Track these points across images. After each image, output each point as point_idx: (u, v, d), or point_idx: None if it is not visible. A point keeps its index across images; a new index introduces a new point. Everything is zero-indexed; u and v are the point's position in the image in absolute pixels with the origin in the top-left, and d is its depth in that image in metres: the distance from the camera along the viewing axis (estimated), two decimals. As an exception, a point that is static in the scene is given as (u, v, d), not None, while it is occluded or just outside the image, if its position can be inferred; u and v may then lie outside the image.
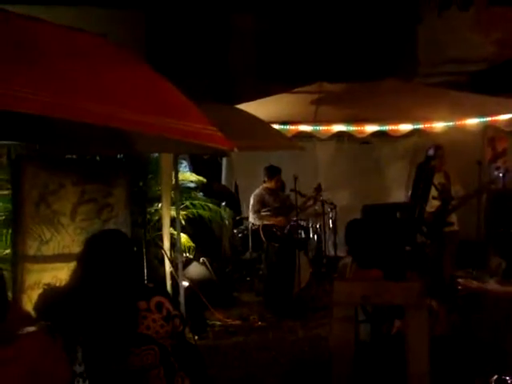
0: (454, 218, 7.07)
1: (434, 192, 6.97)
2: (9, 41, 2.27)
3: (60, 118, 3.92)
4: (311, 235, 8.40)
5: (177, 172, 5.87)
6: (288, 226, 7.20)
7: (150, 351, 2.91)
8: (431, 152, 6.57)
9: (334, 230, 8.25)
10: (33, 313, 3.21)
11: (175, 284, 6.19)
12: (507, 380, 4.47)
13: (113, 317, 2.92)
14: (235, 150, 2.42)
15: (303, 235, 8.13)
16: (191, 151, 5.98)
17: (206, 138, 2.32)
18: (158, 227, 6.99)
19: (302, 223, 8.10)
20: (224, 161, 9.72)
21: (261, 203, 7.16)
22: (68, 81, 2.08)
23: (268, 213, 7.18)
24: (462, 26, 10.19)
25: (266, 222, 7.16)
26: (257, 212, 7.15)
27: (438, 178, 7.06)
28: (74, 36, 2.48)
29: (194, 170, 9.15)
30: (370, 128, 6.63)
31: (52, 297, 3.25)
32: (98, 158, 6.45)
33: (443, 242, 6.83)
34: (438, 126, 6.55)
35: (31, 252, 5.03)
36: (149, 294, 3.03)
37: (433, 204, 7.00)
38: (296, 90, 7.98)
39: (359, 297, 3.39)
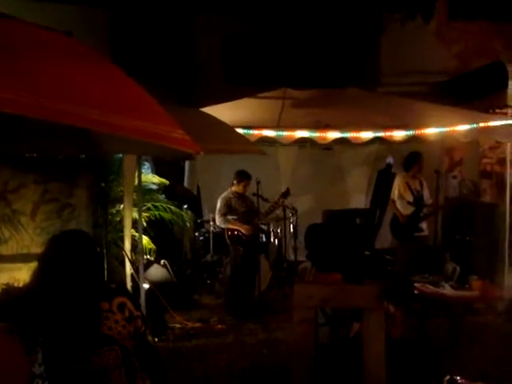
0: (424, 224, 7.33)
1: (410, 197, 7.23)
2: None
3: (21, 117, 3.90)
4: (272, 239, 8.47)
5: (140, 173, 5.85)
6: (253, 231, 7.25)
7: (111, 352, 2.91)
8: (390, 160, 6.76)
9: (295, 234, 8.33)
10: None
11: (136, 286, 6.16)
12: (457, 380, 4.63)
13: (75, 317, 2.90)
14: (201, 153, 2.45)
15: (264, 239, 8.20)
16: (155, 153, 5.96)
17: (173, 141, 2.34)
18: (120, 228, 6.94)
19: (264, 227, 8.16)
20: (187, 164, 9.71)
21: (227, 207, 7.19)
22: (34, 79, 2.08)
23: (235, 216, 7.21)
24: (424, 38, 10.46)
25: (231, 227, 7.19)
26: (223, 215, 7.18)
27: (414, 184, 7.31)
28: (42, 34, 2.47)
29: (157, 171, 9.12)
30: (333, 135, 6.72)
31: (11, 296, 3.21)
32: (59, 157, 6.38)
33: (413, 246, 7.07)
34: (399, 134, 6.70)
35: (-12, 251, 4.98)
36: (111, 294, 3.03)
37: (407, 209, 7.25)
38: (260, 95, 8.03)
39: (319, 300, 3.46)
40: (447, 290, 4.98)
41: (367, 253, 5.50)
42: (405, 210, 7.22)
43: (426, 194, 7.40)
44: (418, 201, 7.22)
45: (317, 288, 3.61)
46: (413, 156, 7.32)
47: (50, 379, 2.87)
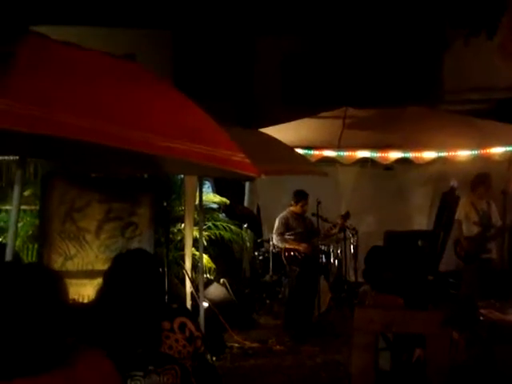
0: (492, 245, 7.11)
1: (475, 217, 7.05)
2: (49, 67, 2.35)
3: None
4: (332, 260, 8.38)
5: (201, 193, 5.93)
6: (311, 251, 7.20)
7: (171, 371, 2.93)
8: (454, 183, 6.61)
9: (355, 255, 8.21)
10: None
11: (195, 304, 6.20)
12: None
13: (136, 334, 2.95)
14: (262, 176, 2.46)
15: (324, 260, 8.12)
16: (216, 175, 6.04)
17: (234, 164, 2.37)
18: (181, 247, 7.04)
19: (324, 248, 8.09)
20: (247, 183, 9.77)
21: (285, 226, 7.19)
22: (101, 106, 2.15)
23: (292, 237, 7.20)
24: (488, 54, 10.20)
25: (288, 246, 7.17)
26: (281, 234, 7.18)
27: (480, 205, 7.13)
28: (107, 61, 2.56)
29: (217, 191, 9.21)
30: (394, 155, 6.64)
31: (76, 312, 3.29)
32: (123, 177, 6.56)
33: (479, 268, 6.86)
34: (463, 154, 6.55)
35: (55, 267, 5.12)
36: (172, 314, 3.07)
37: (472, 229, 7.06)
38: (321, 114, 8.03)
39: (380, 324, 3.38)
40: (515, 316, 4.78)
41: (430, 277, 5.34)
42: (470, 230, 7.03)
43: (495, 215, 7.19)
44: (484, 221, 7.01)
45: (378, 312, 3.53)
46: (479, 177, 7.15)
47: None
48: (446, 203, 5.99)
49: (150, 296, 3.01)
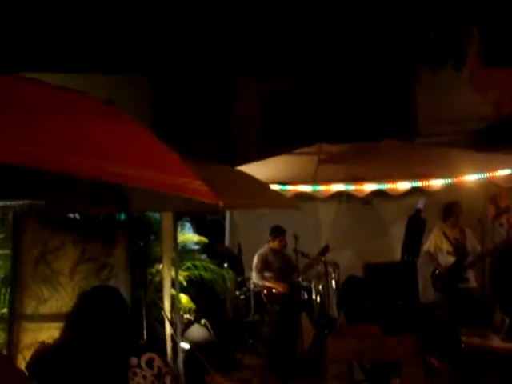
0: (470, 274, 7.08)
1: (448, 247, 7.03)
2: (6, 99, 2.36)
3: (58, 177, 4.03)
4: (314, 296, 8.29)
5: (175, 232, 5.89)
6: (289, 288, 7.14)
7: (139, 409, 2.86)
8: (421, 204, 6.63)
9: (338, 290, 8.14)
10: (25, 371, 3.19)
11: (176, 346, 6.09)
12: None
13: (103, 372, 2.88)
14: (220, 203, 2.45)
15: (306, 296, 8.04)
16: (188, 209, 6.02)
17: (191, 191, 2.36)
18: (160, 288, 6.94)
19: (305, 284, 8.02)
20: (227, 222, 9.76)
21: (264, 263, 7.15)
22: (55, 135, 2.15)
23: (271, 274, 7.14)
24: (458, 86, 10.42)
25: (267, 284, 7.11)
26: (260, 272, 7.13)
27: (453, 234, 7.13)
28: (60, 94, 2.58)
29: (198, 231, 9.17)
30: (369, 187, 6.69)
31: (43, 354, 3.23)
32: (100, 218, 6.52)
33: (458, 299, 6.81)
34: (436, 183, 6.61)
35: (29, 311, 5.04)
36: (140, 350, 3.01)
37: (447, 259, 7.03)
38: (296, 151, 8.10)
39: (354, 353, 3.33)
40: (495, 342, 4.74)
41: (400, 302, 5.30)
42: (445, 261, 7.01)
43: (471, 242, 7.18)
44: (458, 251, 7.00)
45: (351, 341, 3.49)
46: (449, 206, 7.17)
47: None
48: (412, 227, 6.01)
49: (115, 332, 2.95)
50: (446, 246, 7.08)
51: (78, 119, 2.32)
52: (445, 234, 7.08)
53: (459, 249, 7.03)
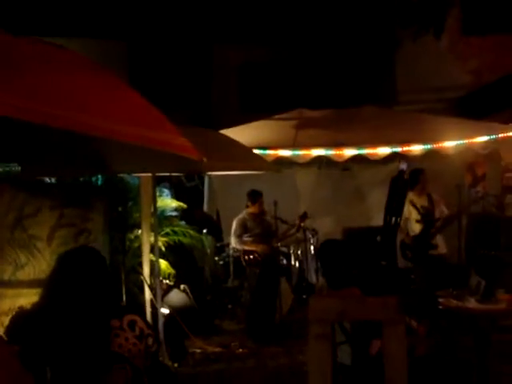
0: (439, 240, 7.09)
1: (417, 216, 7.00)
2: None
3: (35, 140, 3.92)
4: (293, 262, 8.35)
5: (155, 197, 5.84)
6: (269, 251, 7.16)
7: (122, 370, 2.84)
8: (404, 166, 6.62)
9: (316, 256, 8.20)
10: (4, 336, 3.13)
11: (155, 311, 6.09)
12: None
13: (84, 335, 2.85)
14: (204, 160, 2.41)
15: (285, 261, 8.09)
16: (167, 171, 5.96)
17: (174, 147, 2.31)
18: (139, 254, 6.91)
19: (284, 249, 8.06)
20: (206, 188, 9.71)
21: (243, 227, 7.14)
22: (36, 87, 2.07)
23: (250, 238, 7.14)
24: (438, 55, 10.40)
25: (247, 248, 7.11)
26: (239, 236, 7.12)
27: (421, 202, 7.09)
28: (40, 47, 2.48)
29: (176, 197, 9.11)
30: (349, 152, 6.68)
31: (22, 318, 3.18)
32: (77, 182, 6.42)
33: (429, 265, 6.83)
34: (416, 148, 6.62)
35: (5, 277, 4.97)
36: (121, 311, 2.98)
37: (415, 227, 7.02)
38: (276, 116, 8.04)
39: (335, 313, 3.33)
40: (472, 303, 4.82)
41: (383, 263, 5.34)
42: (413, 229, 6.98)
43: (440, 209, 7.16)
44: (426, 217, 6.96)
45: (333, 301, 3.48)
46: (414, 173, 7.11)
47: (59, 399, 2.81)
48: (395, 188, 6.02)
49: (95, 294, 2.91)
50: (414, 215, 7.02)
51: (60, 72, 2.24)
52: (412, 203, 7.02)
53: (427, 216, 6.98)
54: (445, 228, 6.97)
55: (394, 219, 5.97)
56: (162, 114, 2.52)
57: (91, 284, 2.94)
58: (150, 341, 3.00)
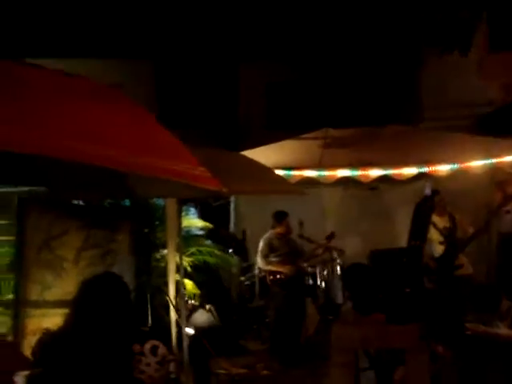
0: (464, 260, 6.95)
1: (439, 237, 6.88)
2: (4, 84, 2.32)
3: (62, 164, 3.99)
4: (319, 282, 8.29)
5: (180, 217, 5.88)
6: (295, 272, 7.12)
7: (143, 396, 2.85)
8: (428, 191, 6.53)
9: (342, 276, 8.13)
10: (30, 357, 3.18)
11: (181, 331, 6.10)
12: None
13: (107, 361, 2.87)
14: (224, 190, 2.41)
15: (311, 282, 8.03)
16: (192, 195, 6.00)
17: (194, 178, 2.32)
18: (164, 274, 6.95)
19: (310, 269, 8.01)
20: (232, 208, 9.73)
21: (269, 247, 7.13)
22: (55, 120, 2.11)
23: (277, 259, 7.12)
24: (465, 71, 10.31)
25: (272, 268, 7.10)
26: (265, 257, 7.11)
27: (442, 222, 6.97)
28: (61, 79, 2.53)
29: (202, 216, 9.15)
30: (375, 172, 6.62)
31: (48, 341, 3.21)
32: (104, 204, 6.51)
33: (455, 286, 6.69)
34: (443, 168, 6.53)
35: (33, 297, 5.04)
36: (143, 337, 3.00)
37: (438, 249, 6.91)
38: (302, 136, 8.02)
39: (359, 341, 3.30)
40: (502, 329, 4.71)
41: (407, 290, 5.26)
42: (437, 251, 6.84)
43: (463, 229, 6.93)
44: (448, 239, 6.82)
45: (356, 329, 3.45)
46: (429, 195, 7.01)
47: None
48: (420, 213, 5.94)
49: (118, 319, 2.93)
50: (436, 237, 6.90)
51: (78, 103, 2.28)
52: (434, 225, 6.92)
53: (449, 237, 6.85)
54: (467, 245, 6.83)
55: (417, 243, 5.87)
56: (181, 142, 2.54)
57: (114, 310, 2.96)
58: (172, 366, 3.01)
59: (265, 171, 5.31)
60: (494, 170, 6.88)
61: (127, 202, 7.01)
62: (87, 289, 3.05)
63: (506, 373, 4.75)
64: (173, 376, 2.96)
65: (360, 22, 10.31)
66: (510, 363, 4.79)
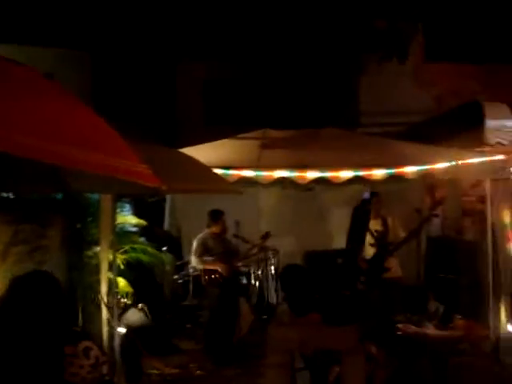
0: (393, 263, 7.11)
1: (370, 239, 7.04)
2: None
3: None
4: (253, 281, 8.32)
5: (114, 214, 5.73)
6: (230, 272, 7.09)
7: (74, 399, 2.75)
8: (367, 195, 6.68)
9: (277, 276, 8.19)
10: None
11: (112, 330, 5.95)
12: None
13: (37, 362, 2.75)
14: (164, 188, 2.35)
15: (245, 281, 8.04)
16: (128, 191, 5.86)
17: (135, 174, 2.25)
18: (97, 271, 6.76)
19: (244, 269, 8.02)
20: (167, 206, 9.60)
21: (204, 247, 7.06)
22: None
23: (211, 258, 7.07)
24: (401, 80, 10.63)
25: (206, 267, 7.04)
26: (199, 256, 7.04)
27: (374, 225, 7.14)
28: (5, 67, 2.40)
29: (137, 213, 8.96)
30: (312, 174, 6.66)
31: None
32: (34, 197, 6.25)
33: (384, 289, 6.84)
34: (378, 173, 6.65)
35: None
36: (76, 338, 2.89)
37: (370, 251, 7.06)
38: (240, 135, 7.99)
39: (296, 343, 3.30)
40: (430, 329, 4.87)
41: (347, 292, 5.35)
42: (369, 253, 7.01)
43: (395, 232, 7.18)
44: (379, 242, 7.01)
45: (293, 330, 3.46)
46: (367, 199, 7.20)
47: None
48: (357, 217, 6.06)
49: (49, 320, 2.82)
50: (368, 239, 7.08)
51: (14, 92, 2.16)
52: None
53: (380, 239, 7.04)
54: (398, 249, 7.03)
55: (355, 246, 5.99)
56: (122, 138, 2.46)
57: (45, 310, 2.84)
58: (105, 369, 2.92)
59: (203, 169, 5.26)
60: (427, 176, 7.09)
61: (59, 196, 6.78)
62: (16, 287, 2.92)
63: (434, 370, 4.91)
64: (107, 378, 2.86)
65: (301, 24, 10.42)
66: (438, 361, 4.97)
